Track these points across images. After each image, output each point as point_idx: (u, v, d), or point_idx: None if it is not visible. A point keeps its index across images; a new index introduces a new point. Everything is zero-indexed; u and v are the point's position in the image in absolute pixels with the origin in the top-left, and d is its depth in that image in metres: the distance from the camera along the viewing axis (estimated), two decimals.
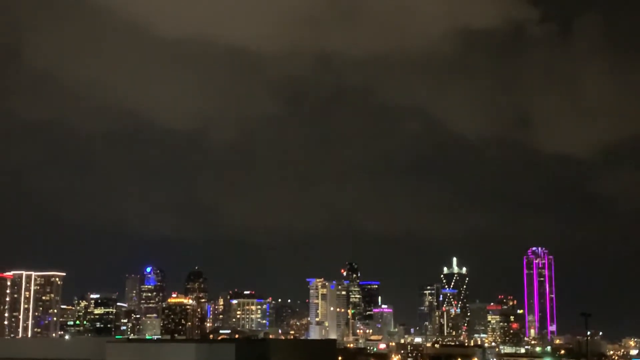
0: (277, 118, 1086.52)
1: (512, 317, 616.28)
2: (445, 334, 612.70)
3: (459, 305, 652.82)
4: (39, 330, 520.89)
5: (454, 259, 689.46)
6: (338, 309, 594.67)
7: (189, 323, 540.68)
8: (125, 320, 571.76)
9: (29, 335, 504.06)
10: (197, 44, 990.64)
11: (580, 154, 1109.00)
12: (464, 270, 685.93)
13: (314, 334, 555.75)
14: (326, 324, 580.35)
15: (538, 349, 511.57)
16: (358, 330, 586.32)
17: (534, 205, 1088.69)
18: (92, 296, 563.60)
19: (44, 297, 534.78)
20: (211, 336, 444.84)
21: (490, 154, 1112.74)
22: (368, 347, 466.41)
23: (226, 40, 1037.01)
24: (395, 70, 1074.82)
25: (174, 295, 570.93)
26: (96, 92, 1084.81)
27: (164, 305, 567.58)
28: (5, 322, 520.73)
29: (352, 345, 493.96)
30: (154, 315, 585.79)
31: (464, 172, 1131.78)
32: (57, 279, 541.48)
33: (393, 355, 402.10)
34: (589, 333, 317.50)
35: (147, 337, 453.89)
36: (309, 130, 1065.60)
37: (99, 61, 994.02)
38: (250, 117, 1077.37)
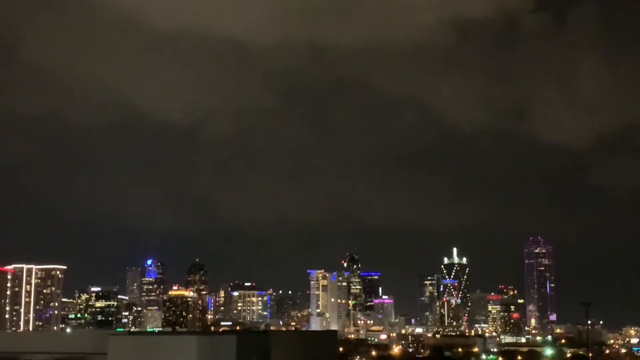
0: (272, 110, 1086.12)
1: (512, 307, 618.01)
2: (446, 324, 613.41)
3: (460, 295, 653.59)
4: (40, 323, 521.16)
5: (454, 249, 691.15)
6: (339, 300, 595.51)
7: (190, 315, 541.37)
8: (127, 313, 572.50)
9: (31, 328, 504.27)
10: (191, 37, 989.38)
11: (576, 143, 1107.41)
12: (464, 260, 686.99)
13: (315, 325, 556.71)
14: (327, 315, 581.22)
15: (539, 338, 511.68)
16: (359, 321, 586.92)
17: (532, 195, 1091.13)
18: (93, 289, 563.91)
19: (45, 291, 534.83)
20: (212, 328, 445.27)
21: (486, 144, 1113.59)
22: (369, 338, 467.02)
23: (220, 33, 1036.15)
24: (390, 61, 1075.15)
25: (174, 288, 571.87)
26: (93, 86, 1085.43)
27: (165, 298, 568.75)
28: (7, 316, 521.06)
29: (353, 336, 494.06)
30: (155, 307, 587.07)
31: (462, 163, 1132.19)
32: (58, 272, 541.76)
33: (394, 346, 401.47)
34: (589, 322, 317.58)
35: (149, 329, 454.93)
36: (305, 122, 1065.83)
37: (96, 56, 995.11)
38: (246, 110, 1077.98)
